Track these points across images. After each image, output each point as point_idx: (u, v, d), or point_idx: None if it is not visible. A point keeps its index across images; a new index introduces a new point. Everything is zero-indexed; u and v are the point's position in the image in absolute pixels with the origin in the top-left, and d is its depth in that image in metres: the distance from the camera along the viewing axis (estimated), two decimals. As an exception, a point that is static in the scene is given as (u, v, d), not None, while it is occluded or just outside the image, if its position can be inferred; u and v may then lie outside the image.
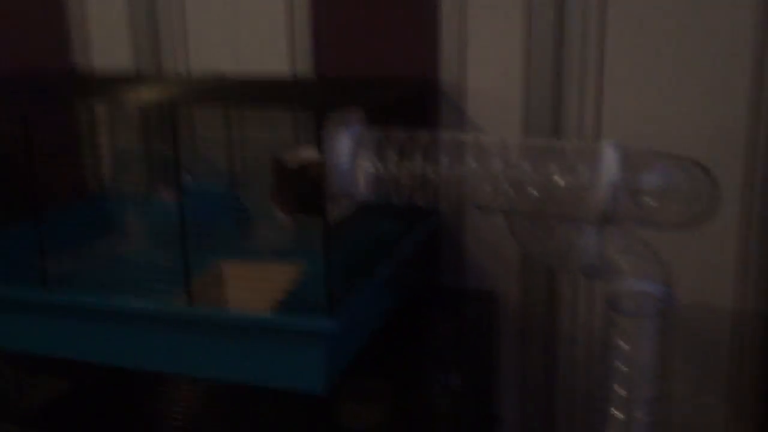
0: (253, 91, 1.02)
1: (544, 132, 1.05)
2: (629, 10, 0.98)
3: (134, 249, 1.01)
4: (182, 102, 0.90)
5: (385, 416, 1.04)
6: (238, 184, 1.08)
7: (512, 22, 1.03)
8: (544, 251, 0.89)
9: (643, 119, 0.99)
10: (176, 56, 1.23)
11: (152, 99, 0.95)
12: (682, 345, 1.04)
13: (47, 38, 1.30)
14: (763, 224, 0.98)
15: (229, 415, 1.07)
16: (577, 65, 1.01)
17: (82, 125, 1.29)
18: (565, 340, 1.11)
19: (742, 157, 0.96)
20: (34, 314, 0.84)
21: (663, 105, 0.98)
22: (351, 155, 0.71)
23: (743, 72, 0.94)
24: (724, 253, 0.99)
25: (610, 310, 0.85)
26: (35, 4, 1.30)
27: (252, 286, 0.96)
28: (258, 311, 0.81)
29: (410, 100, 1.04)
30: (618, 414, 0.77)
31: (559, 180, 0.72)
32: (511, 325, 1.14)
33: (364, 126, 0.75)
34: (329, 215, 0.71)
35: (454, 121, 1.09)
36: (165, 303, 0.79)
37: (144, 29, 1.24)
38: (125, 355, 0.81)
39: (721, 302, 1.01)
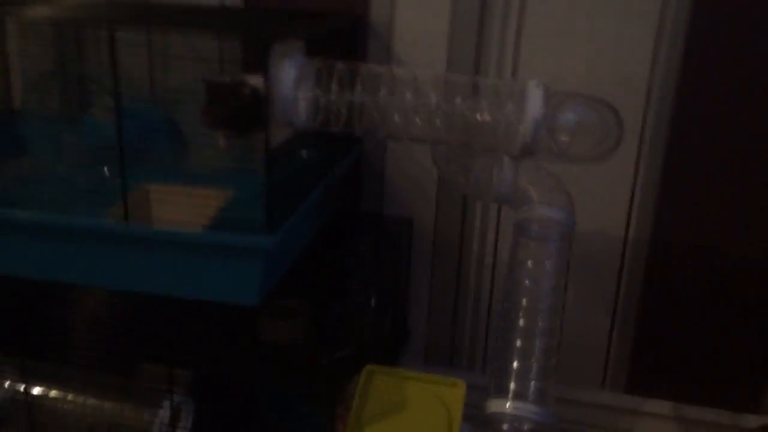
0: (181, 16, 1.03)
1: (467, 69, 1.12)
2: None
3: (62, 167, 1.01)
4: (106, 22, 0.90)
5: (305, 331, 1.11)
6: (166, 107, 1.09)
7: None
8: (464, 181, 0.98)
9: (557, 62, 1.08)
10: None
11: (73, 16, 0.93)
12: (579, 266, 1.16)
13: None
14: (653, 163, 1.10)
15: (154, 328, 1.11)
16: (500, 8, 1.08)
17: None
18: (473, 263, 1.22)
19: (642, 99, 1.07)
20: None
21: (575, 48, 1.07)
22: (294, 84, 0.75)
23: (647, 21, 1.04)
24: (619, 187, 1.12)
25: (518, 234, 0.95)
26: None
27: (179, 208, 0.99)
28: (194, 229, 0.85)
29: (341, 33, 1.08)
30: (521, 322, 0.88)
31: (485, 115, 0.80)
32: (425, 249, 1.23)
33: (304, 56, 0.79)
34: (267, 137, 0.75)
35: (380, 57, 1.14)
36: (108, 220, 0.81)
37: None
38: (64, 271, 0.84)
39: (614, 230, 1.15)
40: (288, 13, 1.11)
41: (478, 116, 0.80)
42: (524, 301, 0.90)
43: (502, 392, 0.85)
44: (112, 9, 1.01)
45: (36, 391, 0.96)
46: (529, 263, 0.91)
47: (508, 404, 0.84)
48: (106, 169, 1.03)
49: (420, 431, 0.79)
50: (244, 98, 0.79)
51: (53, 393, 0.94)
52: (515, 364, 0.86)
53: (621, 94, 1.07)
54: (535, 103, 0.73)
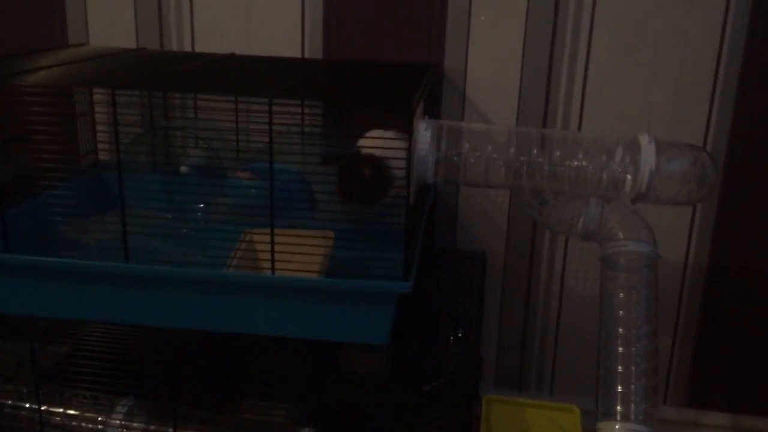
0: (269, 74, 1.10)
1: (537, 114, 1.21)
2: (616, 12, 1.15)
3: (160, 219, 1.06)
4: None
5: (389, 364, 1.18)
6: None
7: (514, 16, 1.18)
8: (555, 222, 1.06)
9: (618, 107, 1.19)
10: (182, 41, 1.28)
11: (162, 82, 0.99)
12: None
13: (44, 20, 1.29)
14: (713, 198, 1.21)
15: (240, 363, 1.17)
16: (567, 59, 1.18)
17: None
18: (542, 292, 1.31)
19: (701, 137, 1.18)
20: (118, 286, 0.90)
21: (637, 94, 1.17)
22: (429, 146, 0.83)
23: (703, 66, 1.15)
24: (680, 219, 1.22)
25: (607, 268, 1.04)
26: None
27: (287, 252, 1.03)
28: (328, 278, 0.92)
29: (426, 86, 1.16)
30: (620, 349, 0.97)
31: (586, 166, 0.89)
32: (496, 280, 1.32)
33: (428, 118, 0.87)
34: (409, 196, 0.83)
35: (454, 104, 1.23)
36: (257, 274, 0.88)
37: (147, 11, 1.27)
38: (215, 320, 0.90)
39: (674, 256, 1.25)
40: (367, 65, 1.20)
41: (583, 166, 0.89)
42: (620, 330, 0.98)
43: (610, 415, 0.93)
44: (199, 68, 1.08)
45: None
46: (621, 294, 1.00)
47: (617, 426, 0.92)
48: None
49: (547, 454, 0.87)
50: (371, 173, 0.88)
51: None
52: (619, 388, 0.95)
53: (679, 133, 1.17)
54: (649, 156, 0.83)
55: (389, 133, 0.92)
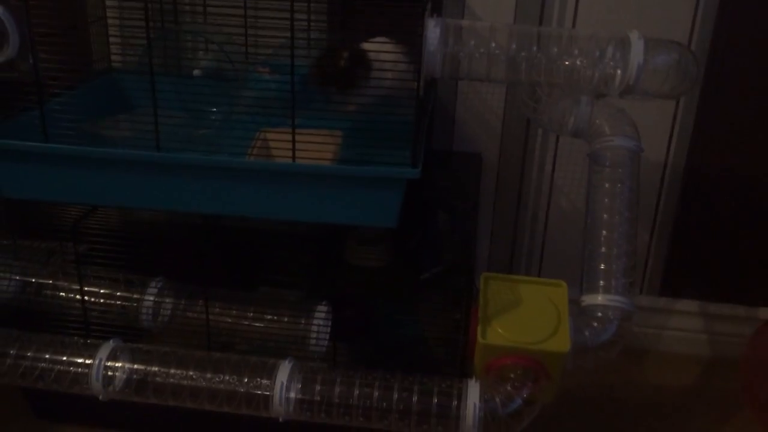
0: None
1: (534, 15, 1.28)
2: None
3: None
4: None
5: (390, 256, 1.29)
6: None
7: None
8: (546, 119, 1.15)
9: (611, 7, 1.26)
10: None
11: None
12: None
13: None
14: (693, 101, 1.30)
15: (247, 252, 1.27)
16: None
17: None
18: (532, 190, 1.41)
19: (686, 37, 1.26)
20: (149, 174, 0.99)
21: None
22: (438, 42, 0.91)
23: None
24: (662, 120, 1.32)
25: (594, 163, 1.14)
26: None
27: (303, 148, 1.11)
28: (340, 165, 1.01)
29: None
30: (604, 233, 1.08)
31: (580, 60, 0.97)
32: (490, 178, 1.42)
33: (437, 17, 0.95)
34: (419, 87, 0.91)
35: (455, 8, 1.30)
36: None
37: None
38: (239, 205, 1.00)
39: (655, 156, 1.35)
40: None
41: (578, 62, 0.97)
42: (605, 216, 1.09)
43: (593, 289, 1.05)
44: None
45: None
46: (606, 185, 1.11)
47: (599, 297, 1.04)
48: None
49: (538, 322, 0.98)
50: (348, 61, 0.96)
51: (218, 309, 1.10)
52: (602, 266, 1.06)
53: (666, 32, 1.25)
54: (638, 51, 0.91)
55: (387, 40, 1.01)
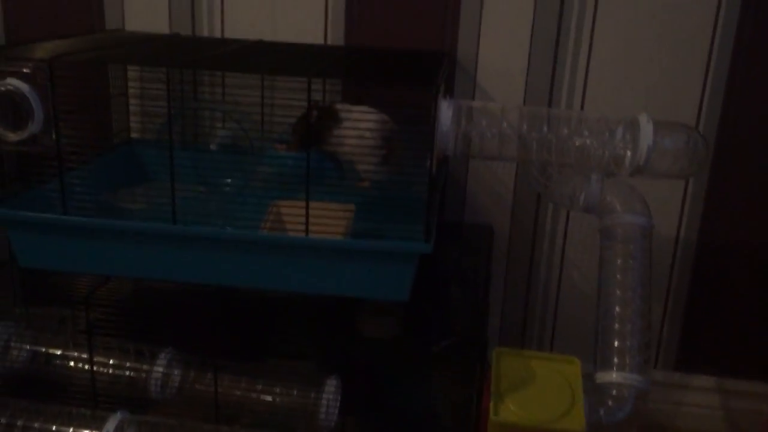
0: (292, 57, 1.20)
1: (543, 97, 1.31)
2: (616, 6, 1.25)
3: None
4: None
5: (400, 325, 1.28)
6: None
7: (522, 7, 1.28)
8: (558, 195, 1.16)
9: (619, 90, 1.29)
10: (212, 25, 1.37)
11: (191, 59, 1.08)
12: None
13: (81, 3, 1.38)
14: (703, 177, 1.31)
15: (257, 323, 1.27)
16: (572, 46, 1.28)
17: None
18: (543, 263, 1.41)
19: (695, 113, 1.28)
20: (165, 245, 1.00)
21: (635, 79, 1.28)
22: (451, 122, 0.93)
23: (699, 58, 1.25)
24: (672, 196, 1.33)
25: (605, 239, 1.14)
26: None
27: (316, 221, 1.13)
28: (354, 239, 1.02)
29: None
30: (617, 309, 1.07)
31: (590, 142, 0.99)
32: (501, 250, 1.42)
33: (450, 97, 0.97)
34: (432, 164, 0.93)
35: (466, 88, 1.33)
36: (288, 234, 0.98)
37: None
38: (253, 278, 1.00)
39: (666, 230, 1.35)
40: (387, 51, 1.29)
41: (588, 143, 0.99)
42: (618, 292, 1.09)
43: (607, 366, 1.04)
44: (228, 49, 1.17)
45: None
46: (618, 261, 1.11)
47: (614, 375, 1.03)
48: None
49: (552, 400, 0.97)
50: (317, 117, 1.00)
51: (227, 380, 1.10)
52: (616, 343, 1.06)
53: (674, 116, 1.28)
54: (647, 133, 0.93)
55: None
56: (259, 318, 1.27)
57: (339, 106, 1.08)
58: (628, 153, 0.95)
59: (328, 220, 1.01)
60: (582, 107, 1.31)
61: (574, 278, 1.41)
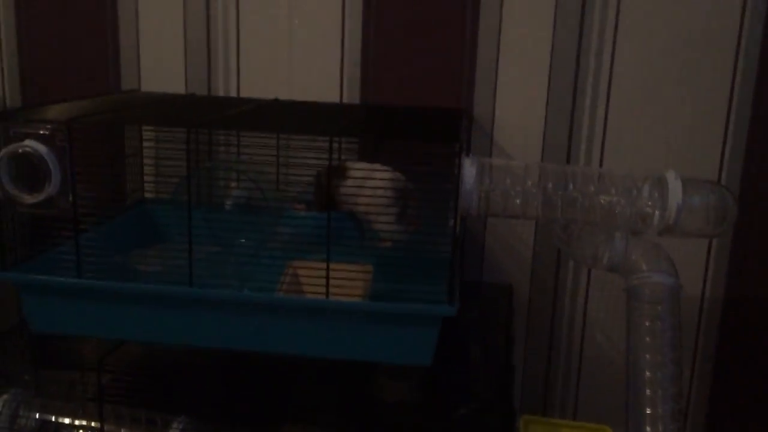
0: (309, 116, 1.19)
1: (561, 155, 1.30)
2: (633, 62, 1.25)
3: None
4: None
5: (420, 388, 1.24)
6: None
7: (538, 64, 1.28)
8: (581, 254, 1.14)
9: (638, 145, 1.27)
10: (228, 85, 1.37)
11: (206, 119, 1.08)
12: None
13: (97, 64, 1.39)
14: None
15: (273, 388, 1.23)
16: (589, 104, 1.27)
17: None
18: (565, 323, 1.38)
19: (716, 169, 1.27)
20: (182, 308, 0.97)
21: (654, 134, 1.27)
22: (474, 181, 0.91)
23: (719, 112, 1.25)
24: (696, 253, 1.30)
25: (632, 299, 1.11)
26: (86, 30, 1.38)
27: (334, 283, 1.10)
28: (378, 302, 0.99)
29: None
30: (648, 374, 1.03)
31: (615, 199, 0.97)
32: (521, 310, 1.39)
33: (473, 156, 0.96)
34: (456, 225, 0.91)
35: (483, 145, 1.32)
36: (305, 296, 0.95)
37: (198, 57, 1.37)
38: (271, 342, 0.97)
39: (691, 290, 1.32)
40: (403, 110, 1.29)
41: (614, 200, 0.97)
42: (647, 356, 1.05)
43: (640, 434, 0.99)
44: (244, 108, 1.17)
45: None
46: (647, 323, 1.07)
47: (646, 445, 0.98)
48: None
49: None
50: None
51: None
52: (648, 410, 1.01)
53: (694, 170, 1.26)
54: (676, 192, 0.91)
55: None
56: (274, 382, 1.23)
57: (349, 164, 1.07)
58: (656, 212, 0.93)
59: (346, 282, 0.99)
60: (601, 163, 1.30)
61: (598, 340, 1.37)
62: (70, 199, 0.97)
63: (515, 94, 1.29)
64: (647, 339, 1.06)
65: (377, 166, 1.04)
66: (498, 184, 0.94)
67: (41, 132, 0.97)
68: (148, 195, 1.42)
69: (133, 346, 1.16)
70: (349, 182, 1.01)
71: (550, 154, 1.30)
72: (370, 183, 1.00)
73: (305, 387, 1.19)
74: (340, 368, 1.19)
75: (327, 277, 0.95)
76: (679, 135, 1.26)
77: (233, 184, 1.34)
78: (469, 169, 0.92)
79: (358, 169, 1.02)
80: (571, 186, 0.94)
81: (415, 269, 1.03)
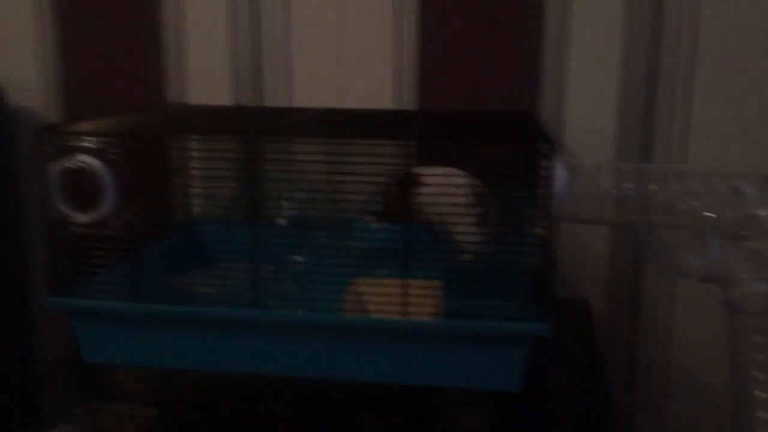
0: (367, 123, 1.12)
1: (635, 158, 1.21)
2: (716, 52, 1.16)
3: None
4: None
5: (493, 416, 1.15)
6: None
7: (609, 62, 1.19)
8: (672, 263, 1.04)
9: (724, 147, 1.18)
10: (276, 95, 1.31)
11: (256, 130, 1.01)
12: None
13: (143, 77, 1.33)
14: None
15: (334, 416, 1.14)
16: (668, 100, 1.18)
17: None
18: (643, 340, 1.28)
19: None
20: (245, 332, 0.90)
21: (742, 133, 1.17)
22: (566, 184, 0.83)
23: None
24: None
25: (732, 312, 1.01)
26: (132, 42, 1.33)
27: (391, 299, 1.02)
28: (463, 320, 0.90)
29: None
30: (761, 394, 0.93)
31: (717, 201, 0.88)
32: (599, 328, 1.29)
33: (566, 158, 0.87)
34: (551, 235, 0.83)
35: (552, 149, 1.23)
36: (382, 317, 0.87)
37: (246, 67, 1.30)
38: (344, 368, 0.89)
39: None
40: (466, 114, 1.21)
41: (710, 202, 0.88)
42: (757, 375, 0.95)
43: (756, 463, 0.89)
44: (299, 118, 1.09)
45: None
46: (754, 338, 0.97)
47: (765, 474, 0.88)
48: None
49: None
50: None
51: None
52: (762, 434, 0.91)
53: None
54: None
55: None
56: (335, 411, 1.15)
57: (420, 170, 0.99)
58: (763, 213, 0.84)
59: (415, 299, 0.91)
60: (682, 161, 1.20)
61: (684, 360, 1.26)
62: (124, 216, 0.90)
63: (585, 94, 1.21)
64: (757, 356, 0.96)
65: (451, 170, 0.96)
66: (590, 188, 0.85)
67: (92, 146, 0.91)
68: (196, 213, 1.35)
69: (186, 377, 1.09)
70: (425, 189, 0.93)
71: (625, 154, 1.21)
72: (447, 189, 0.92)
73: (365, 414, 1.11)
74: (405, 394, 1.10)
75: (405, 295, 0.86)
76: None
77: (286, 199, 1.26)
78: (561, 172, 0.83)
79: (433, 175, 0.94)
80: (673, 188, 0.85)
81: (493, 284, 0.94)
